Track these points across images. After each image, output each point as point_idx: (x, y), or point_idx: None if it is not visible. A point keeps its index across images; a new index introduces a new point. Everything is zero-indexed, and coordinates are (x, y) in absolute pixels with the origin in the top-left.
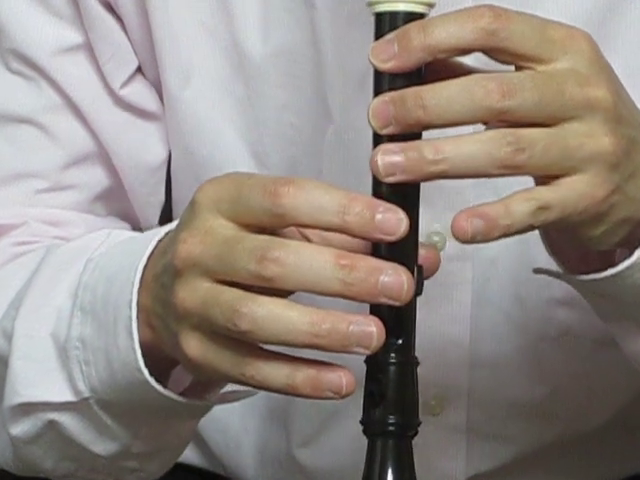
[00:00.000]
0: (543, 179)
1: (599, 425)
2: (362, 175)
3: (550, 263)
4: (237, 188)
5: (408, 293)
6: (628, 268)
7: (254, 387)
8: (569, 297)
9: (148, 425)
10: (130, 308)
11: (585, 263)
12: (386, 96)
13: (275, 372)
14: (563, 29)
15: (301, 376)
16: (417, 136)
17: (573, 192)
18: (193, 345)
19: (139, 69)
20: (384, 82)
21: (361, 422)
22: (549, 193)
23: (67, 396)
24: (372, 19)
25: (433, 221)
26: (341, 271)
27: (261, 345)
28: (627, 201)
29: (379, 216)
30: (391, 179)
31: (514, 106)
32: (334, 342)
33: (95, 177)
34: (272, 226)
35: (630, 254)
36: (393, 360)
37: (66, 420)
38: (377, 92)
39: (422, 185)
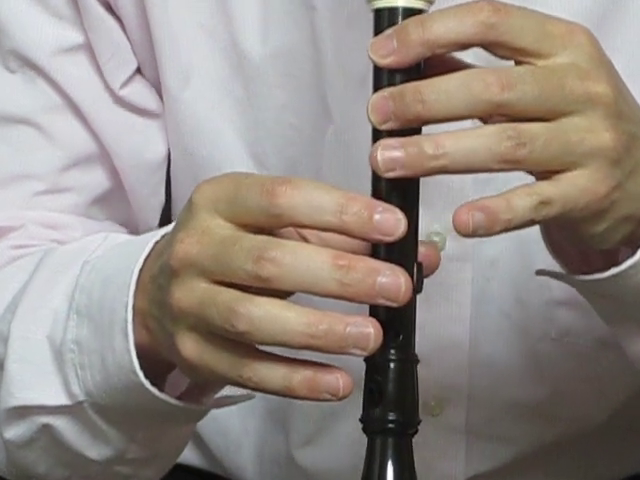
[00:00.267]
0: (544, 174)
1: (599, 425)
2: (362, 176)
3: (550, 264)
4: (235, 188)
5: (406, 294)
6: (631, 267)
7: (251, 389)
8: (569, 298)
9: (143, 430)
10: (126, 310)
11: (587, 264)
12: (385, 91)
13: (272, 373)
14: (563, 24)
15: (298, 378)
16: (417, 132)
17: (574, 187)
18: (189, 346)
19: (139, 69)
20: (383, 78)
21: (361, 420)
22: (550, 188)
23: (62, 399)
24: (371, 17)
25: (433, 221)
26: (338, 271)
27: (258, 347)
28: (628, 198)
29: (377, 216)
30: (391, 174)
31: (514, 99)
32: (331, 343)
33: (94, 179)
34: (270, 226)
35: (633, 253)
36: (393, 357)
37: (60, 424)
38: (376, 88)
39: (422, 186)
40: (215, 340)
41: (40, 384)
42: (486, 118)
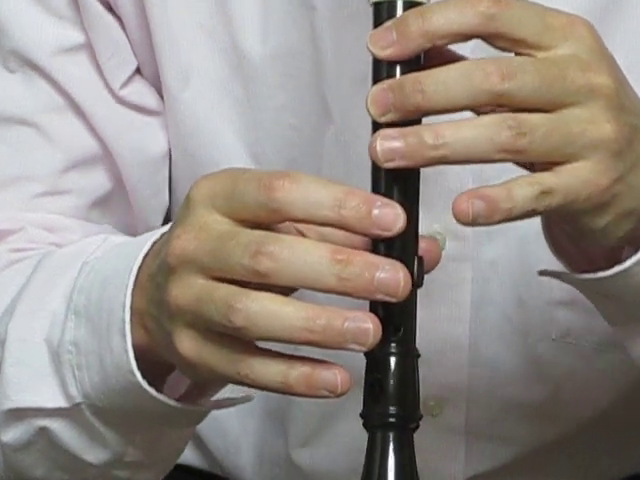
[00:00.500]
0: (545, 167)
1: (599, 425)
2: (362, 176)
3: (551, 265)
4: (232, 183)
5: (405, 289)
6: (635, 264)
7: (249, 386)
8: (569, 298)
9: (142, 433)
10: (124, 310)
11: (589, 263)
12: (384, 83)
13: (269, 370)
14: (563, 16)
15: (295, 374)
16: (416, 124)
17: (576, 179)
18: (187, 343)
19: (139, 69)
20: (382, 70)
21: (361, 415)
22: (552, 178)
23: (59, 402)
24: (371, 11)
25: (433, 222)
26: (336, 266)
27: (257, 344)
28: (630, 192)
29: (376, 211)
30: (390, 165)
31: (514, 89)
32: (329, 338)
33: (95, 181)
34: (267, 221)
35: (636, 252)
36: (393, 351)
37: (58, 427)
38: (376, 80)
39: (422, 186)
40: (213, 337)
41: (37, 386)
42: (487, 111)
